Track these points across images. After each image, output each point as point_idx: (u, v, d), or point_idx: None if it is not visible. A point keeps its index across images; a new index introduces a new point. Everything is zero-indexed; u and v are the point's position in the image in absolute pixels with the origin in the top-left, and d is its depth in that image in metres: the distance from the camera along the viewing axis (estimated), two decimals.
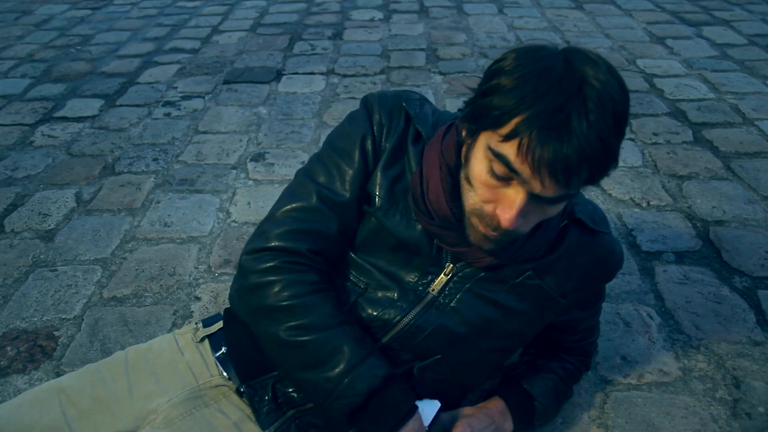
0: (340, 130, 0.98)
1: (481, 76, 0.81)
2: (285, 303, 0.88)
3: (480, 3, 4.28)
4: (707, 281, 1.71)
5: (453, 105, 2.77)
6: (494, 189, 0.78)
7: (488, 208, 0.80)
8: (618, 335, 1.53)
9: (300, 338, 0.87)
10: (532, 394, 1.10)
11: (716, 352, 1.48)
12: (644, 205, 2.06)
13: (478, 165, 0.78)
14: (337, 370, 0.85)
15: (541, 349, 1.20)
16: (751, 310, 1.60)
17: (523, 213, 0.77)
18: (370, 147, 0.94)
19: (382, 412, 0.85)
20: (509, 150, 0.73)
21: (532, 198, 0.76)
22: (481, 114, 0.76)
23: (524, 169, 0.72)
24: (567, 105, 0.69)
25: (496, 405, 1.07)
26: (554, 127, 0.69)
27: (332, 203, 0.93)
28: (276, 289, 0.88)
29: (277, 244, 0.91)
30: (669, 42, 3.51)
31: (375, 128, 0.94)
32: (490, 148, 0.75)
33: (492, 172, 0.76)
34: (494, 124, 0.74)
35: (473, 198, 0.81)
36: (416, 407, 0.89)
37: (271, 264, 0.90)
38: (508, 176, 0.75)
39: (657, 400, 1.36)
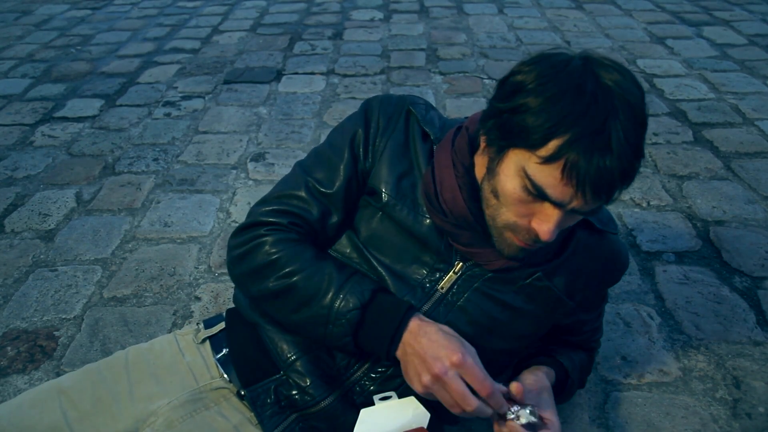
0: (339, 127, 1.02)
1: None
2: (270, 259, 0.91)
3: (480, 3, 4.28)
4: (707, 281, 1.71)
5: (453, 105, 2.77)
6: (529, 204, 0.79)
7: (523, 222, 0.81)
8: (618, 335, 1.53)
9: (288, 282, 0.90)
10: (568, 372, 1.09)
11: (716, 352, 1.48)
12: (644, 205, 2.06)
13: (510, 183, 0.79)
14: (328, 297, 0.87)
15: (547, 346, 1.19)
16: (751, 310, 1.60)
17: (559, 225, 0.79)
18: (360, 144, 0.97)
19: (381, 321, 0.86)
20: (551, 173, 0.74)
21: (569, 211, 0.78)
22: (512, 132, 0.77)
23: (567, 191, 0.74)
24: (607, 125, 0.71)
25: (550, 373, 1.06)
26: (598, 148, 0.71)
27: (318, 193, 0.96)
28: (260, 251, 0.92)
29: (260, 219, 0.96)
30: (669, 42, 3.52)
31: (369, 127, 0.97)
32: (525, 172, 0.77)
33: (526, 190, 0.78)
34: (530, 145, 0.75)
35: (505, 214, 0.83)
36: (414, 307, 0.88)
37: (254, 234, 0.95)
38: (546, 199, 0.77)
39: (657, 400, 1.36)
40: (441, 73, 3.12)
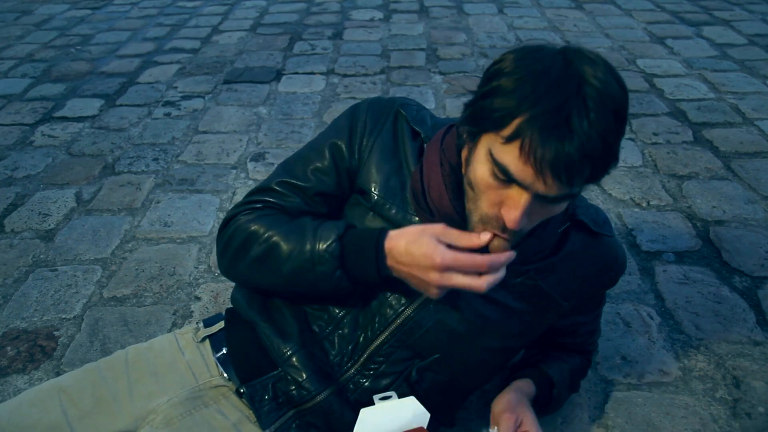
0: (325, 128, 1.04)
1: (482, 76, 0.81)
2: (248, 232, 0.94)
3: (480, 3, 4.28)
4: (707, 281, 1.71)
5: (453, 105, 2.77)
6: (498, 190, 0.79)
7: (493, 210, 0.81)
8: (618, 335, 1.53)
9: (269, 244, 0.92)
10: (553, 381, 1.09)
11: (716, 352, 1.48)
12: (644, 205, 2.06)
13: (480, 168, 0.79)
14: (307, 242, 0.88)
15: (544, 349, 1.19)
16: (751, 310, 1.60)
17: (527, 212, 0.78)
18: (343, 145, 0.98)
19: (361, 244, 0.87)
20: (511, 152, 0.74)
21: (537, 198, 0.77)
22: (482, 116, 0.78)
23: (527, 170, 0.73)
24: (567, 105, 0.70)
25: (526, 385, 1.07)
26: (555, 127, 0.70)
27: (292, 186, 0.98)
28: (239, 230, 0.95)
29: (234, 212, 0.99)
30: (669, 42, 3.52)
31: (356, 127, 0.98)
32: (491, 154, 0.77)
33: (494, 175, 0.77)
34: (495, 126, 0.75)
35: (480, 205, 0.82)
36: (386, 230, 0.89)
37: (231, 224, 0.98)
38: (510, 179, 0.77)
39: (657, 400, 1.36)
40: (441, 73, 3.12)
